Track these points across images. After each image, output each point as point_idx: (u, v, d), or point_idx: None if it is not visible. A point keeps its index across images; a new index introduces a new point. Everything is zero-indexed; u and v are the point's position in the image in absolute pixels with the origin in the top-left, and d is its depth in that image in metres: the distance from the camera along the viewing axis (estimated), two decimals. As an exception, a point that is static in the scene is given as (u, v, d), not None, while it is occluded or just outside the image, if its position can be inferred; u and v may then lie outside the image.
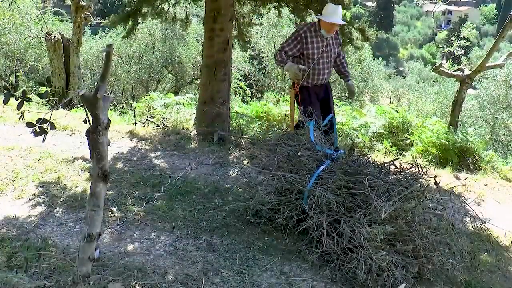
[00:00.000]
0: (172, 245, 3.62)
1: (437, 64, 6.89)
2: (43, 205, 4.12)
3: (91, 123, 1.98)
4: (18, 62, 13.50)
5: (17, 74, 13.37)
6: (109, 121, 1.99)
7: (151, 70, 17.01)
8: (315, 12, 6.89)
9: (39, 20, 12.84)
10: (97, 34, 19.22)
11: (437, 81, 20.61)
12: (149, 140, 6.01)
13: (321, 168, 3.75)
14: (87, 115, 1.97)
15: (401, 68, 49.78)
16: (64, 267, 3.18)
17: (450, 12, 71.22)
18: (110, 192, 4.41)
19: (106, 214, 4.00)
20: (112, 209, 4.11)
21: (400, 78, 29.16)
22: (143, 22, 6.95)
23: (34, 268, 3.06)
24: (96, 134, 1.96)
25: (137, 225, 3.90)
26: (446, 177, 5.39)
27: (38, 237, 3.52)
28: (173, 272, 3.25)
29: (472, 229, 4.23)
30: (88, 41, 17.92)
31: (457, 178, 5.43)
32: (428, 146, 6.29)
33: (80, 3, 9.34)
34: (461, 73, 6.61)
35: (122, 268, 3.25)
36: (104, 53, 1.75)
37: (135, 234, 3.76)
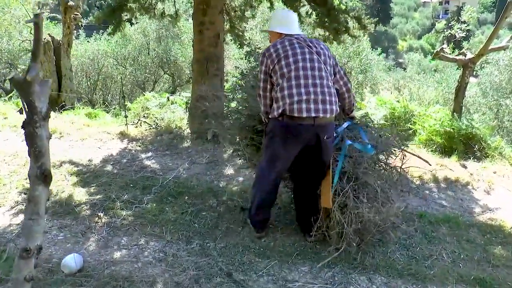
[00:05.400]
0: (162, 251, 3.38)
1: (438, 49, 6.61)
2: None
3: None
4: (10, 66, 13.28)
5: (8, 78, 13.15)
6: (49, 110, 1.72)
7: (147, 70, 16.75)
8: (308, 1, 6.64)
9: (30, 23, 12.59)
10: (91, 36, 18.93)
11: (437, 69, 20.30)
12: (140, 141, 5.77)
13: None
14: (23, 103, 1.70)
15: (400, 60, 49.27)
16: (44, 280, 2.96)
17: (447, 1, 70.81)
18: (98, 197, 4.18)
19: (92, 220, 3.79)
20: (99, 214, 3.88)
21: (400, 70, 28.79)
22: (131, 18, 6.68)
23: (10, 281, 2.82)
24: (32, 126, 1.69)
25: (125, 230, 3.66)
26: (452, 166, 5.14)
27: (17, 247, 3.28)
28: (162, 281, 3.01)
29: (483, 221, 3.97)
30: (83, 44, 17.65)
31: (464, 166, 5.16)
32: (431, 135, 6.03)
33: (69, 3, 9.09)
34: (463, 57, 6.34)
35: (107, 278, 3.03)
36: (33, 25, 1.48)
37: (122, 241, 3.51)
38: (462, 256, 3.44)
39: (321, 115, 2.99)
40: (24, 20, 13.42)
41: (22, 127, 1.72)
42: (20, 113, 1.75)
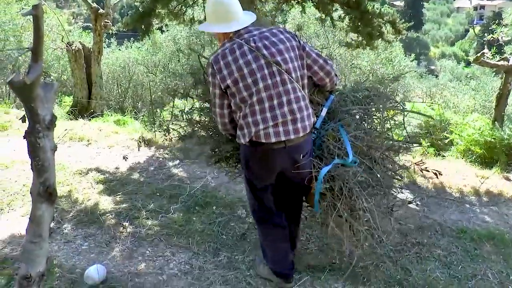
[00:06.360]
0: (188, 263, 3.24)
1: (479, 54, 6.31)
2: (51, 221, 3.81)
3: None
4: (44, 74, 13.52)
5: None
6: (53, 118, 1.53)
7: (177, 77, 16.81)
8: (341, 5, 6.45)
9: (63, 30, 12.80)
10: (122, 45, 19.17)
11: (472, 77, 19.62)
12: (168, 148, 5.68)
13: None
14: (25, 110, 1.53)
15: (432, 67, 48.27)
16: (66, 292, 2.86)
17: (482, 7, 69.11)
18: (124, 205, 4.09)
19: (117, 229, 3.68)
20: (124, 223, 3.78)
21: (432, 77, 28.09)
22: (161, 26, 6.63)
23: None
24: (34, 136, 1.51)
25: (150, 241, 3.54)
26: (494, 179, 4.84)
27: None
28: (188, 295, 2.87)
29: (532, 238, 3.68)
30: (114, 52, 17.89)
31: (508, 179, 4.86)
32: (470, 144, 5.72)
33: (99, 11, 9.15)
34: (506, 62, 6.03)
35: (131, 290, 2.90)
36: (32, 18, 1.30)
37: (147, 251, 3.40)
38: (511, 277, 3.17)
39: (292, 136, 2.60)
40: (58, 29, 13.67)
41: (24, 137, 1.55)
42: (23, 121, 1.54)
